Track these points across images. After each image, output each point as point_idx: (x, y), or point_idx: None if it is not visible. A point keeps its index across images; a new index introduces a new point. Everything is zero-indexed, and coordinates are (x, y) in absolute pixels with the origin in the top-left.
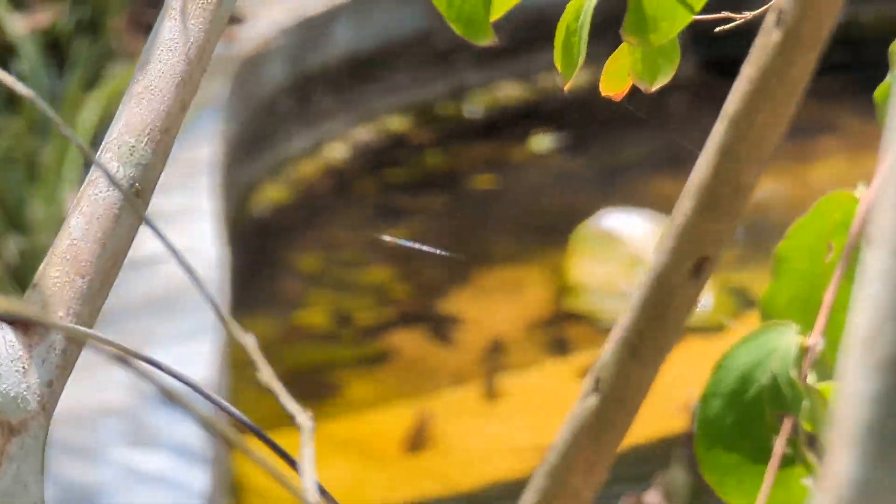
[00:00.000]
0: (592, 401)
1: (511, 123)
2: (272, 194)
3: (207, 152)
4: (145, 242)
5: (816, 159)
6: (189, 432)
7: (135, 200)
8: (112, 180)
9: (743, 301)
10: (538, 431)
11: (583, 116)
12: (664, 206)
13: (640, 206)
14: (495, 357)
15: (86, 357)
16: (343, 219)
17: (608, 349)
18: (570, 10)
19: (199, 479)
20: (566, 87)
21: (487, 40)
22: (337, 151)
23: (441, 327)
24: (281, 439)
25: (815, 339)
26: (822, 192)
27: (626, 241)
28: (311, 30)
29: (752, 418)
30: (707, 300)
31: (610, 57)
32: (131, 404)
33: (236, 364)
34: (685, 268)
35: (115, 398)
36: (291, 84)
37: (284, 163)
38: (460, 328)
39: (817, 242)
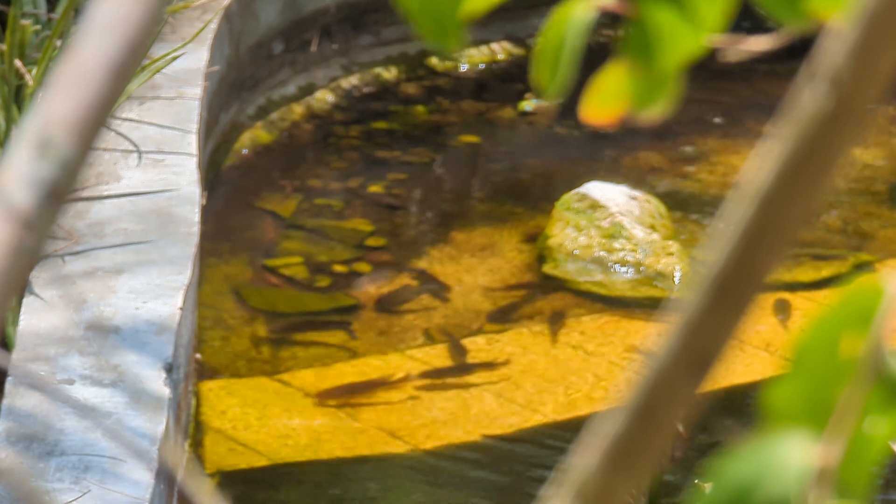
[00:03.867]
0: None
1: (502, 83)
2: (256, 136)
3: (196, 91)
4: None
5: None
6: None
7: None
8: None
9: None
10: (507, 399)
11: (574, 80)
12: (647, 178)
13: (624, 176)
14: (470, 319)
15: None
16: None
17: (591, 459)
18: (557, 22)
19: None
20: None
21: (455, 46)
22: (324, 98)
23: (417, 284)
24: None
25: (831, 453)
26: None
27: (608, 212)
28: None
29: None
30: (677, 275)
31: (597, 77)
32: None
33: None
34: (685, 365)
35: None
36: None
37: (270, 106)
38: (436, 287)
39: (840, 336)
